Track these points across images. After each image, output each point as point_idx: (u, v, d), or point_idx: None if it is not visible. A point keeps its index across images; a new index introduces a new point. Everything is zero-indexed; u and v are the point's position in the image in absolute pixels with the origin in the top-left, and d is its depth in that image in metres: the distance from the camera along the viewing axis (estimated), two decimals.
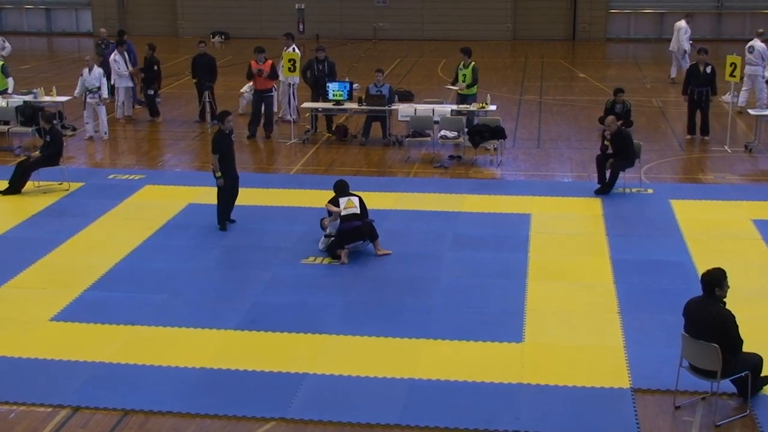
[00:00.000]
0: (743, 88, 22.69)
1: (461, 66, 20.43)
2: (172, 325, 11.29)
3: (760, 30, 24.18)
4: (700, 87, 20.13)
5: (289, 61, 20.39)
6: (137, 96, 23.75)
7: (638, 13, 37.82)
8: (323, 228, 13.77)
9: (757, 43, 22.70)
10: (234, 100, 23.26)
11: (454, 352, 10.56)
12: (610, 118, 16.65)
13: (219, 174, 14.43)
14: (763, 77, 22.26)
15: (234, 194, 14.88)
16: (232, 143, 14.81)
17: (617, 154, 16.14)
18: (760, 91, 22.34)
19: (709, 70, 20.24)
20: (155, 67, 22.71)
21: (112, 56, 22.50)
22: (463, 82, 20.32)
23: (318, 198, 14.97)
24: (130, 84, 22.80)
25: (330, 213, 13.60)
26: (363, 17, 38.20)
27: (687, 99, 20.48)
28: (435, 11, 37.87)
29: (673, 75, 27.10)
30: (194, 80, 22.41)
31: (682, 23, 27.00)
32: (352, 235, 13.36)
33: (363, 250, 13.55)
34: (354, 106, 20.43)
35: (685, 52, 26.60)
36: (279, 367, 10.20)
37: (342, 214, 13.41)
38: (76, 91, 21.07)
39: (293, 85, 21.52)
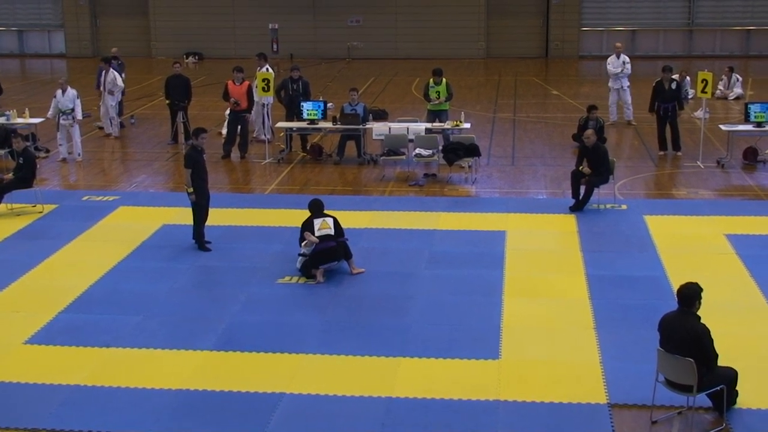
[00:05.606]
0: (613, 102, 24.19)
1: (432, 83, 20.51)
2: (148, 346, 11.21)
3: (619, 44, 25.32)
4: (666, 103, 20.55)
5: (263, 80, 20.37)
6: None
7: (610, 31, 38.13)
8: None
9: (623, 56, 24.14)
10: (208, 120, 23.20)
11: (432, 370, 10.54)
12: (589, 131, 16.73)
13: (191, 189, 14.35)
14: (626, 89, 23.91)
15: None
16: (204, 161, 14.74)
17: (593, 169, 16.19)
18: (625, 101, 23.94)
19: (674, 86, 20.80)
20: None
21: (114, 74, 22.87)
22: (437, 98, 20.41)
23: (293, 217, 14.95)
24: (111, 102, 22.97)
25: (302, 240, 13.50)
26: (337, 37, 38.33)
27: (655, 115, 20.84)
28: (408, 30, 38.05)
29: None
30: (167, 101, 22.38)
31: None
32: (326, 256, 13.32)
33: (338, 269, 13.53)
34: (328, 125, 20.44)
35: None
36: (256, 387, 10.15)
37: (316, 235, 13.38)
38: (50, 113, 20.99)
39: (267, 104, 21.52)
